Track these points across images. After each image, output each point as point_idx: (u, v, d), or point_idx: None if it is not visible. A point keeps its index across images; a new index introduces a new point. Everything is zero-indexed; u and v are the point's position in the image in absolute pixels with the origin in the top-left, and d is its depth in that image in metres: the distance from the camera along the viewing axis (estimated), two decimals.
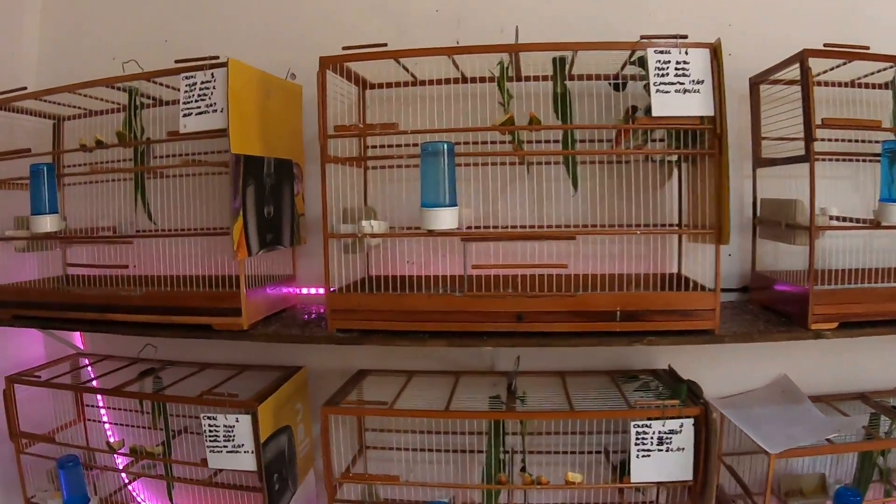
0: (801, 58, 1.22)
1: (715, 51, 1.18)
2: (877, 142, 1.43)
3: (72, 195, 1.61)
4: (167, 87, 1.43)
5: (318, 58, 1.23)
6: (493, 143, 1.40)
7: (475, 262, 1.28)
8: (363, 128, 1.27)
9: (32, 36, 1.75)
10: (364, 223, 1.25)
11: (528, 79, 1.39)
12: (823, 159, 1.32)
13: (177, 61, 1.28)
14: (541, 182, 1.43)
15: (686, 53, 1.19)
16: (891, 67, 1.33)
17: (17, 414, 1.53)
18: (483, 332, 1.22)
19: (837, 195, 1.41)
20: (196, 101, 1.26)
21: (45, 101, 1.50)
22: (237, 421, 1.33)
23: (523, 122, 1.24)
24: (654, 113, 1.17)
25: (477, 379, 1.51)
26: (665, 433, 1.25)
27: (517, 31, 1.28)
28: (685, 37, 1.19)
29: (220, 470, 1.42)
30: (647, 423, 1.24)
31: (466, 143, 1.37)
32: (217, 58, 1.26)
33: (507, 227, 1.44)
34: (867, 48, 1.25)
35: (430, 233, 1.20)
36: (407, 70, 1.37)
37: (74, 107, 1.58)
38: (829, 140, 1.35)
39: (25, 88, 1.48)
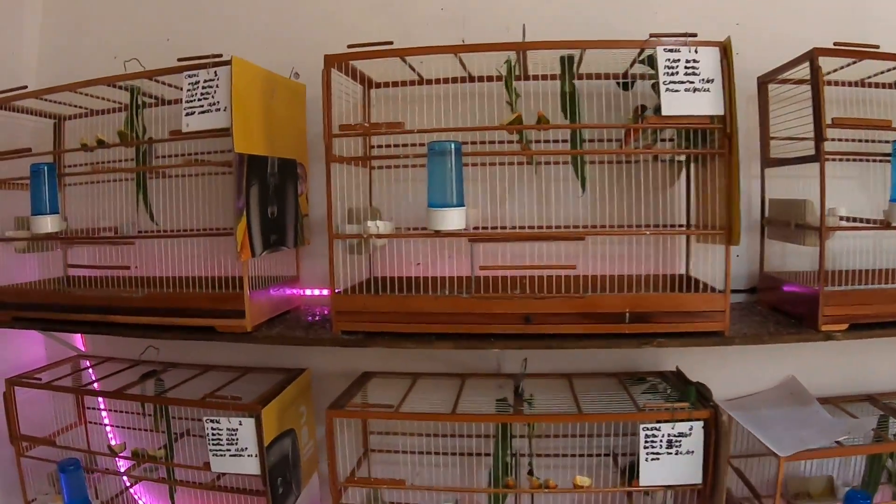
0: (811, 57, 1.20)
1: (725, 49, 1.16)
2: (886, 142, 1.41)
3: (73, 195, 1.58)
4: (169, 85, 1.40)
5: (321, 57, 1.21)
6: (500, 142, 1.37)
7: (482, 262, 1.25)
8: (368, 127, 1.24)
9: (33, 35, 1.72)
10: (370, 223, 1.22)
11: (535, 78, 1.36)
12: (833, 159, 1.30)
13: (179, 59, 1.25)
14: (548, 182, 1.41)
15: (696, 52, 1.17)
16: None
17: (17, 417, 1.51)
18: (490, 334, 1.20)
19: (845, 195, 1.39)
20: (199, 99, 1.23)
21: (46, 100, 1.47)
22: (240, 424, 1.30)
23: (531, 122, 1.22)
24: (664, 112, 1.15)
25: (483, 381, 1.48)
26: (674, 436, 1.22)
27: (524, 29, 1.25)
28: (694, 35, 1.17)
29: (223, 473, 1.39)
30: (657, 425, 1.22)
31: (473, 142, 1.34)
32: (220, 56, 1.23)
33: (513, 227, 1.41)
34: (877, 47, 1.23)
35: (437, 233, 1.17)
36: (413, 69, 1.34)
37: (75, 106, 1.55)
38: (838, 140, 1.33)
39: (26, 87, 1.45)
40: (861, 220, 1.28)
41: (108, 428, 1.69)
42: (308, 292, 1.57)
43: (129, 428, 1.64)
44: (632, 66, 1.31)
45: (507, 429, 1.30)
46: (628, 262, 1.38)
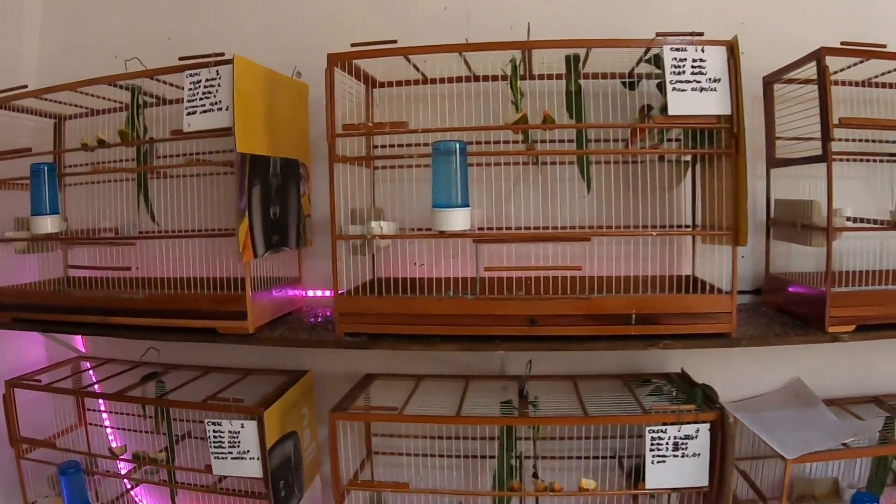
0: (818, 56, 1.18)
1: (731, 48, 1.14)
2: (891, 142, 1.39)
3: (73, 195, 1.57)
4: (171, 85, 1.38)
5: (324, 56, 1.19)
6: (504, 142, 1.35)
7: (486, 263, 1.23)
8: (372, 126, 1.22)
9: (33, 34, 1.70)
10: (373, 224, 1.20)
11: (540, 77, 1.34)
12: (840, 159, 1.28)
13: (181, 58, 1.23)
14: (552, 182, 1.39)
15: (702, 51, 1.15)
16: None
17: (17, 419, 1.49)
18: (495, 336, 1.17)
19: (850, 196, 1.37)
20: (200, 98, 1.21)
21: (46, 99, 1.46)
22: (242, 427, 1.28)
23: (536, 121, 1.19)
24: (671, 112, 1.13)
25: (487, 383, 1.46)
26: (681, 438, 1.20)
27: (529, 27, 1.23)
28: (701, 34, 1.15)
29: (225, 476, 1.36)
30: (663, 428, 1.20)
31: (478, 142, 1.32)
32: (222, 55, 1.21)
33: (517, 228, 1.39)
34: (884, 46, 1.21)
35: (442, 234, 1.15)
36: (417, 69, 1.32)
37: (76, 105, 1.53)
38: (845, 140, 1.31)
39: (26, 87, 1.43)
40: (867, 221, 1.27)
41: (108, 430, 1.67)
42: (310, 293, 1.55)
43: (129, 430, 1.62)
44: (637, 65, 1.29)
45: (511, 431, 1.27)
46: (632, 262, 1.36)
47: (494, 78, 1.34)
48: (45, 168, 1.39)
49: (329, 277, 1.22)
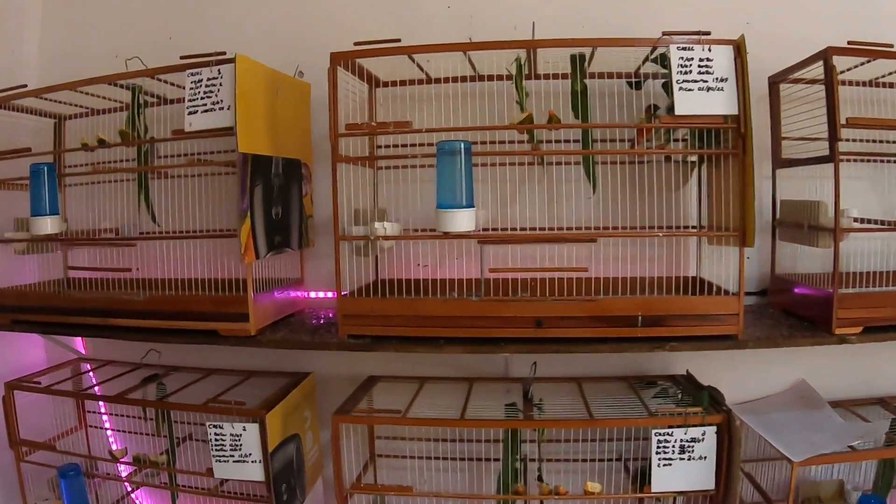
0: (825, 56, 1.16)
1: (738, 48, 1.12)
2: None
3: (73, 196, 1.54)
4: (171, 84, 1.36)
5: (326, 56, 1.17)
6: (509, 142, 1.33)
7: (490, 264, 1.21)
8: (375, 126, 1.20)
9: (33, 34, 1.68)
10: (377, 225, 1.18)
11: (546, 77, 1.32)
12: (847, 160, 1.26)
13: (182, 57, 1.21)
14: (557, 183, 1.36)
15: (709, 50, 1.13)
16: None
17: (16, 421, 1.47)
18: (500, 338, 1.15)
19: (856, 196, 1.35)
20: (202, 98, 1.19)
21: (46, 99, 1.43)
22: (244, 430, 1.26)
23: (541, 121, 1.17)
24: (677, 111, 1.11)
25: (491, 385, 1.44)
26: (687, 441, 1.18)
27: (534, 26, 1.21)
28: (708, 33, 1.13)
29: (227, 480, 1.34)
30: (669, 431, 1.18)
31: (482, 142, 1.30)
32: (224, 53, 1.19)
33: (522, 228, 1.36)
34: (891, 46, 1.19)
35: (446, 235, 1.12)
36: (421, 68, 1.29)
37: (76, 105, 1.51)
38: (851, 140, 1.29)
39: (26, 86, 1.40)
40: (874, 222, 1.25)
41: (108, 432, 1.64)
42: (312, 295, 1.52)
43: (130, 432, 1.60)
44: (643, 64, 1.26)
45: (516, 434, 1.25)
46: (638, 264, 1.34)
47: (499, 77, 1.32)
48: (45, 168, 1.37)
49: (331, 278, 1.20)
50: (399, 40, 1.15)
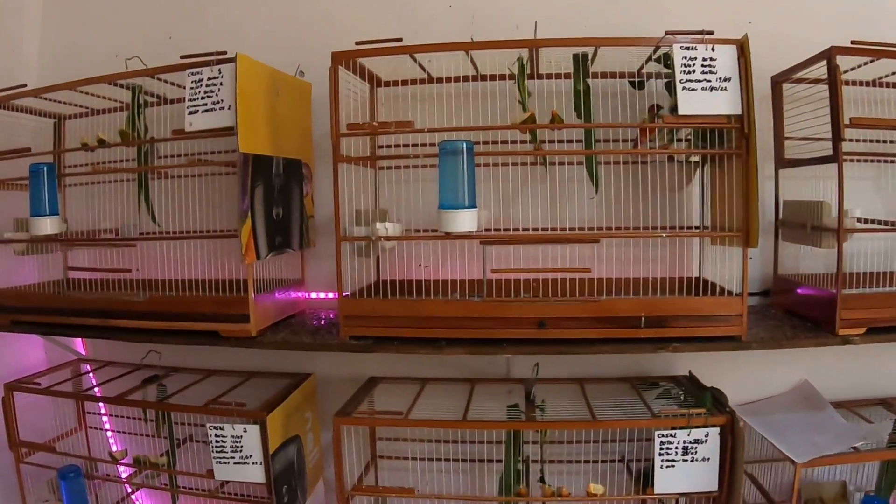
0: (829, 55, 1.15)
1: (742, 47, 1.11)
2: None
3: (73, 196, 1.53)
4: (172, 84, 1.34)
5: (327, 55, 1.15)
6: (511, 142, 1.32)
7: (492, 265, 1.19)
8: (377, 126, 1.18)
9: (33, 33, 1.66)
10: (378, 225, 1.17)
11: (548, 77, 1.31)
12: (851, 160, 1.25)
13: (182, 56, 1.20)
14: (558, 183, 1.35)
15: (713, 50, 1.12)
16: None
17: (16, 422, 1.45)
18: (503, 339, 1.14)
19: (859, 196, 1.34)
20: (202, 98, 1.18)
21: (46, 99, 1.42)
22: (245, 431, 1.25)
23: (544, 121, 1.16)
24: (681, 111, 1.10)
25: (493, 386, 1.42)
26: (690, 443, 1.17)
27: (536, 26, 1.20)
28: (711, 32, 1.12)
29: (227, 481, 1.33)
30: (672, 432, 1.16)
31: (484, 142, 1.29)
32: (224, 53, 1.17)
33: (524, 229, 1.35)
34: (895, 45, 1.18)
35: (448, 235, 1.11)
36: (423, 68, 1.28)
37: (76, 105, 1.49)
38: (855, 140, 1.28)
39: (25, 86, 1.39)
40: (876, 222, 1.24)
41: (109, 433, 1.63)
42: (313, 295, 1.51)
43: (130, 433, 1.59)
44: (646, 63, 1.25)
45: (518, 435, 1.24)
46: (640, 264, 1.33)
47: (501, 77, 1.31)
48: (45, 168, 1.36)
49: (332, 279, 1.19)
50: (401, 39, 1.14)
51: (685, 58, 1.11)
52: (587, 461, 1.37)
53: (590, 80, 1.23)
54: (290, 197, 1.34)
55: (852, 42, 1.16)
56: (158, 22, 1.59)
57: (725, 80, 1.11)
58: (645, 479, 1.22)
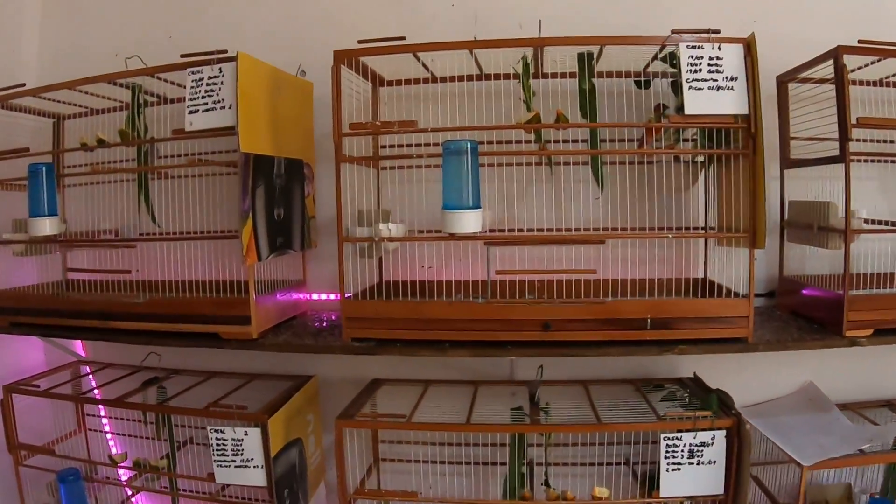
0: (836, 54, 1.13)
1: (748, 46, 1.09)
2: None
3: (72, 196, 1.51)
4: (172, 83, 1.32)
5: (328, 55, 1.13)
6: (516, 142, 1.29)
7: (496, 266, 1.17)
8: (380, 125, 1.16)
9: (33, 32, 1.64)
10: (381, 226, 1.14)
11: (553, 76, 1.29)
12: (858, 160, 1.23)
13: (183, 55, 1.17)
14: (562, 183, 1.33)
15: (719, 49, 1.10)
16: None
17: (15, 424, 1.43)
18: (507, 341, 1.12)
19: (864, 197, 1.32)
20: (203, 97, 1.15)
21: (45, 98, 1.40)
22: (246, 434, 1.22)
23: (548, 121, 1.14)
24: (687, 111, 1.08)
25: (496, 388, 1.40)
26: (696, 446, 1.15)
27: (540, 24, 1.17)
28: (718, 31, 1.10)
29: (228, 485, 1.30)
30: (678, 435, 1.14)
31: (488, 142, 1.27)
32: (225, 52, 1.15)
33: (528, 230, 1.33)
34: None
35: (452, 236, 1.09)
36: (426, 67, 1.26)
37: (75, 105, 1.47)
38: (861, 140, 1.26)
39: (24, 85, 1.37)
40: (882, 223, 1.22)
41: (108, 436, 1.60)
42: (315, 297, 1.49)
43: (130, 436, 1.56)
44: (651, 63, 1.23)
45: (522, 438, 1.22)
46: (645, 265, 1.31)
47: (505, 76, 1.29)
48: (44, 168, 1.33)
49: (334, 280, 1.17)
50: (404, 38, 1.12)
51: (691, 57, 1.09)
52: (591, 464, 1.35)
53: (595, 80, 1.21)
54: (291, 197, 1.32)
55: (859, 41, 1.14)
56: (158, 21, 1.57)
57: (732, 79, 1.09)
58: (650, 483, 1.20)
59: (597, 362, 1.43)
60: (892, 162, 1.35)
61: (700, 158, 1.29)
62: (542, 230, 1.31)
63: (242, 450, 1.23)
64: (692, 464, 1.16)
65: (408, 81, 1.34)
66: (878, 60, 1.22)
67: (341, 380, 1.50)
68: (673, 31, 1.10)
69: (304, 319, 1.40)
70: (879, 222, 1.23)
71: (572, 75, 1.24)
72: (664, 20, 1.31)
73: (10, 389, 1.42)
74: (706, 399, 1.23)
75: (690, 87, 1.08)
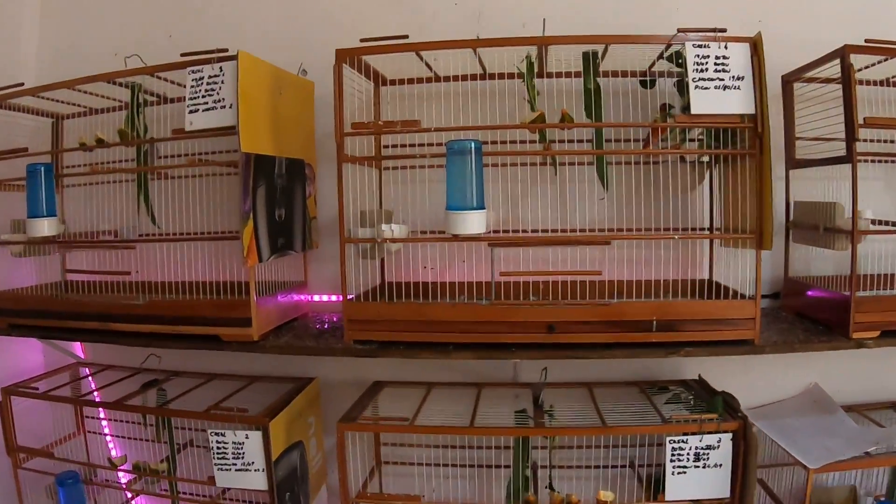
0: (842, 54, 1.11)
1: (755, 45, 1.07)
2: None
3: (71, 197, 1.49)
4: (172, 82, 1.30)
5: (329, 54, 1.11)
6: (520, 142, 1.27)
7: (500, 268, 1.15)
8: (382, 125, 1.14)
9: (32, 31, 1.61)
10: (384, 227, 1.12)
11: (558, 75, 1.26)
12: (865, 160, 1.21)
13: (183, 54, 1.15)
14: (567, 183, 1.31)
15: (725, 48, 1.08)
16: None
17: (14, 427, 1.41)
18: (511, 343, 1.10)
19: (869, 197, 1.29)
20: (203, 96, 1.13)
21: (44, 98, 1.38)
22: (247, 437, 1.20)
23: (552, 121, 1.12)
24: (694, 110, 1.06)
25: (500, 390, 1.38)
26: (702, 449, 1.13)
27: (544, 23, 1.15)
28: (724, 30, 1.08)
29: (229, 488, 1.28)
30: (684, 438, 1.12)
31: (492, 142, 1.24)
32: (226, 50, 1.13)
33: (532, 230, 1.31)
34: None
35: (456, 237, 1.07)
36: (429, 67, 1.24)
37: (74, 104, 1.45)
38: (865, 140, 1.24)
39: (23, 84, 1.34)
40: (887, 223, 1.20)
41: (108, 438, 1.58)
42: (316, 298, 1.47)
43: (130, 438, 1.54)
44: (656, 62, 1.21)
45: (526, 441, 1.19)
46: (651, 266, 1.28)
47: (509, 76, 1.27)
48: (42, 168, 1.32)
49: (336, 282, 1.15)
50: (407, 36, 1.09)
51: (698, 56, 1.07)
52: (596, 466, 1.33)
53: (600, 79, 1.19)
54: (292, 198, 1.30)
55: (866, 41, 1.12)
56: (158, 21, 1.54)
57: (738, 78, 1.07)
58: (656, 486, 1.18)
59: (600, 364, 1.41)
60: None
61: (705, 158, 1.27)
62: (546, 231, 1.29)
63: (243, 453, 1.21)
64: (698, 467, 1.13)
65: (410, 81, 1.32)
66: (885, 60, 1.20)
67: (343, 382, 1.48)
68: (679, 30, 1.07)
69: (305, 321, 1.38)
70: (885, 223, 1.21)
71: (577, 75, 1.22)
72: (668, 20, 1.30)
73: (8, 392, 1.40)
74: (711, 401, 1.21)
75: (697, 87, 1.06)
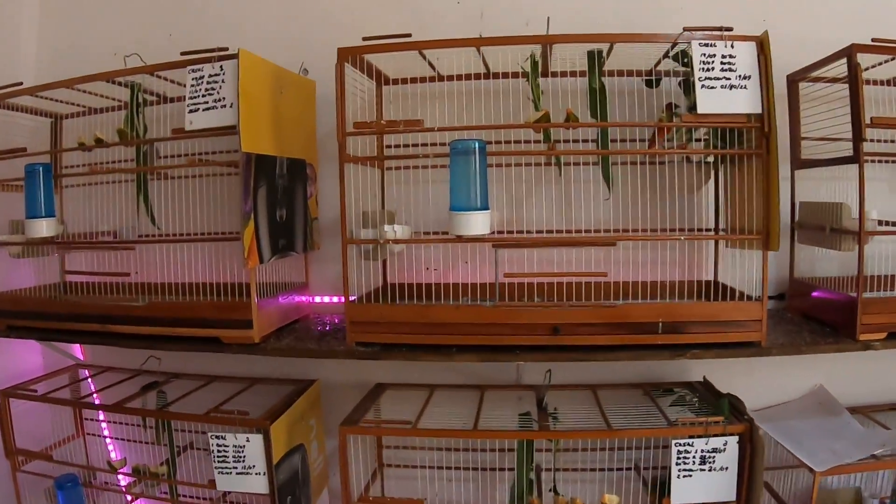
0: (849, 53, 1.09)
1: (762, 44, 1.05)
2: None
3: (70, 197, 1.47)
4: (172, 82, 1.28)
5: (331, 53, 1.10)
6: (524, 142, 1.25)
7: (504, 269, 1.13)
8: (385, 124, 1.12)
9: (31, 30, 1.59)
10: (386, 228, 1.10)
11: (563, 74, 1.24)
12: (872, 160, 1.19)
13: (183, 53, 1.13)
14: (571, 184, 1.29)
15: (731, 47, 1.06)
16: None
17: (12, 429, 1.39)
18: (515, 345, 1.08)
19: (875, 197, 1.27)
20: (203, 95, 1.11)
21: (43, 97, 1.36)
22: (248, 441, 1.18)
23: (556, 120, 1.09)
24: (700, 110, 1.04)
25: (503, 393, 1.36)
26: (708, 452, 1.11)
27: (548, 21, 1.13)
28: (730, 29, 1.06)
29: (229, 492, 1.26)
30: (690, 441, 1.10)
31: (496, 142, 1.23)
32: (226, 49, 1.11)
33: (536, 231, 1.29)
34: None
35: (459, 238, 1.05)
36: (432, 66, 1.21)
37: (73, 104, 1.43)
38: (871, 140, 1.22)
39: (21, 84, 1.32)
40: (893, 224, 1.18)
41: (107, 440, 1.56)
42: (318, 300, 1.44)
43: (129, 440, 1.52)
44: (661, 61, 1.19)
45: (530, 444, 1.17)
46: (654, 267, 1.27)
47: (513, 75, 1.24)
48: (41, 169, 1.30)
49: (337, 283, 1.13)
50: (409, 35, 1.07)
51: (704, 55, 1.05)
52: (601, 469, 1.31)
53: (604, 79, 1.17)
54: (293, 198, 1.28)
55: (873, 40, 1.10)
56: (158, 20, 1.52)
57: (745, 77, 1.05)
58: (661, 489, 1.16)
59: (604, 366, 1.39)
60: None
61: (710, 158, 1.25)
62: (550, 232, 1.27)
63: (244, 456, 1.19)
64: (704, 470, 1.12)
65: (413, 80, 1.29)
66: (891, 59, 1.18)
67: (344, 384, 1.46)
68: (685, 29, 1.06)
69: (306, 323, 1.36)
70: (892, 223, 1.19)
71: (581, 74, 1.20)
72: (672, 19, 1.28)
73: (7, 394, 1.38)
74: (717, 404, 1.19)
75: (703, 86, 1.04)
